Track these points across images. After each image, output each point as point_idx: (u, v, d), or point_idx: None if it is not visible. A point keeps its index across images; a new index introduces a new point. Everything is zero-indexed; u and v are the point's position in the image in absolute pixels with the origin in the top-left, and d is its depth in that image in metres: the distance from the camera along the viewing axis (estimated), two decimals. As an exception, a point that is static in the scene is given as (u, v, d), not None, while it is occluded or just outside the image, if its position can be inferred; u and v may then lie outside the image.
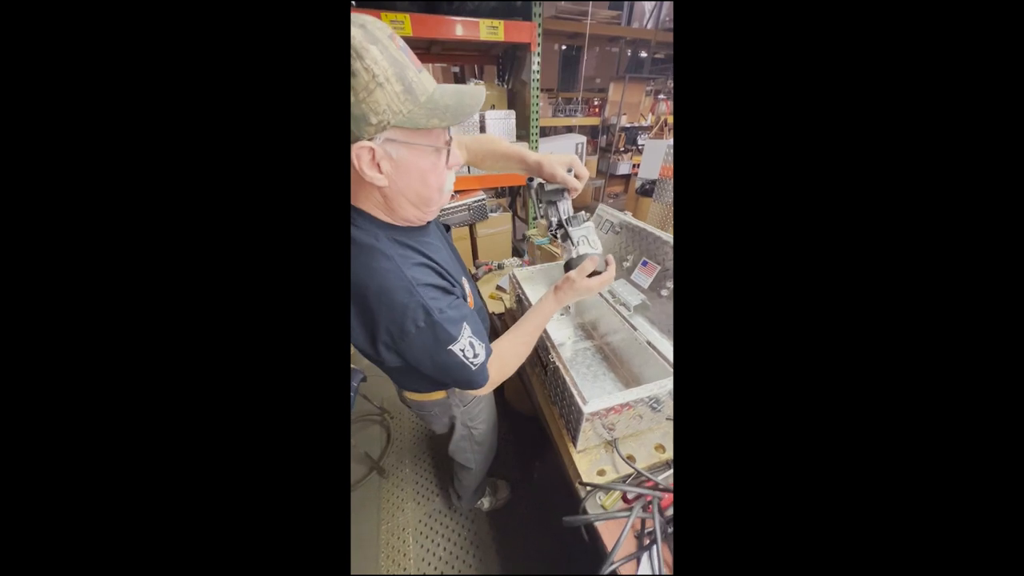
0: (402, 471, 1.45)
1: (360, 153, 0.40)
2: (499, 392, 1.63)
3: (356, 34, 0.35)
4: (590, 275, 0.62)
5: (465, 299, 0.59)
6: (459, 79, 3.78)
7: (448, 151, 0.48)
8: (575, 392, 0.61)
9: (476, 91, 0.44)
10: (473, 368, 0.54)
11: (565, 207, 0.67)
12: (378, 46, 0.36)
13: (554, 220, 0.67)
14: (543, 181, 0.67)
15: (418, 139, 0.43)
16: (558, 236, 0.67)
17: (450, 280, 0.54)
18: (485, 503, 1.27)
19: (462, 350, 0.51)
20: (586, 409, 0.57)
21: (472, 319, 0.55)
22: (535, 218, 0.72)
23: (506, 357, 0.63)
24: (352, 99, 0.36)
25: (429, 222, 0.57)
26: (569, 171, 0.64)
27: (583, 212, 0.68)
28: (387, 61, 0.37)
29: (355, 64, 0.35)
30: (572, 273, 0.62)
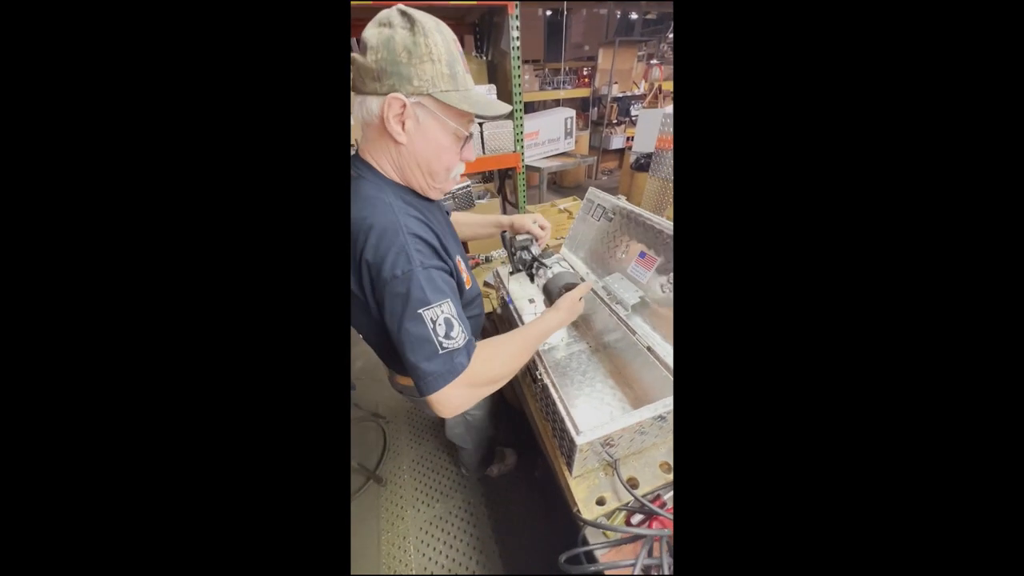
0: (400, 478, 1.41)
1: (392, 103, 0.44)
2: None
3: (430, 24, 0.44)
4: (567, 287, 0.66)
5: (458, 275, 0.57)
6: (437, 54, 3.50)
7: (465, 144, 0.53)
8: (567, 419, 0.53)
9: (503, 105, 0.53)
10: (440, 350, 0.45)
11: (535, 250, 0.79)
12: (442, 37, 0.44)
13: (528, 258, 0.78)
14: (514, 234, 0.81)
15: (446, 116, 0.48)
16: (533, 268, 0.77)
17: (443, 245, 0.53)
18: (494, 470, 1.29)
19: (433, 320, 0.45)
20: (579, 440, 0.50)
21: (457, 301, 0.49)
22: (513, 267, 0.84)
23: (496, 363, 0.53)
24: (404, 61, 0.43)
25: (434, 201, 0.60)
26: (535, 222, 0.79)
27: (552, 251, 0.79)
28: (444, 49, 0.44)
29: (419, 39, 0.43)
30: (572, 292, 0.65)
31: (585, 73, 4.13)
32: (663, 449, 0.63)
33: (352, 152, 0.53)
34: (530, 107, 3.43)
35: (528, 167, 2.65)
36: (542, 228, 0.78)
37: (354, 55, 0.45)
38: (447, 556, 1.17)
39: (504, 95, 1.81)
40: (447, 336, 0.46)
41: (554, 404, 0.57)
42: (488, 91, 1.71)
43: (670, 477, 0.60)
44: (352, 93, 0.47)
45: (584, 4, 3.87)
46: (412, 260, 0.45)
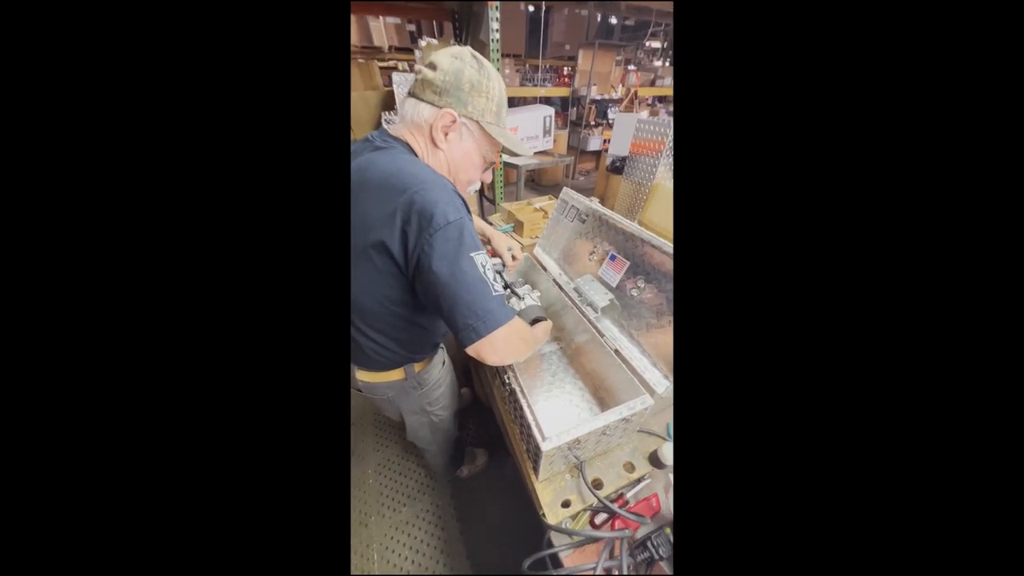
0: (364, 483, 1.35)
1: (445, 115, 0.53)
2: (468, 383, 1.55)
3: (494, 72, 0.55)
4: (534, 322, 0.73)
5: None
6: (414, 38, 3.37)
7: (488, 167, 0.64)
8: (534, 425, 0.52)
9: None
10: (493, 292, 0.49)
11: (507, 277, 0.87)
12: (499, 84, 0.56)
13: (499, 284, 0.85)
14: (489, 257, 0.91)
15: (482, 141, 0.58)
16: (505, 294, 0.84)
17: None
18: (464, 471, 1.28)
19: (483, 265, 0.49)
20: (544, 447, 0.49)
21: None
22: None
23: (527, 329, 0.60)
24: (467, 90, 0.53)
25: None
26: (508, 250, 0.92)
27: (525, 282, 0.92)
28: (498, 92, 0.56)
29: (483, 80, 0.53)
30: (545, 324, 0.72)
31: (566, 72, 4.15)
32: (627, 449, 0.64)
33: (380, 128, 0.59)
34: (510, 102, 3.40)
35: (506, 163, 2.62)
36: (514, 258, 0.91)
37: (424, 68, 0.53)
38: (412, 561, 1.14)
39: (482, 88, 1.77)
40: (495, 281, 0.49)
41: (522, 410, 0.56)
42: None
43: (633, 476, 0.61)
44: (408, 97, 0.55)
45: (566, 3, 3.87)
46: (461, 210, 0.49)
